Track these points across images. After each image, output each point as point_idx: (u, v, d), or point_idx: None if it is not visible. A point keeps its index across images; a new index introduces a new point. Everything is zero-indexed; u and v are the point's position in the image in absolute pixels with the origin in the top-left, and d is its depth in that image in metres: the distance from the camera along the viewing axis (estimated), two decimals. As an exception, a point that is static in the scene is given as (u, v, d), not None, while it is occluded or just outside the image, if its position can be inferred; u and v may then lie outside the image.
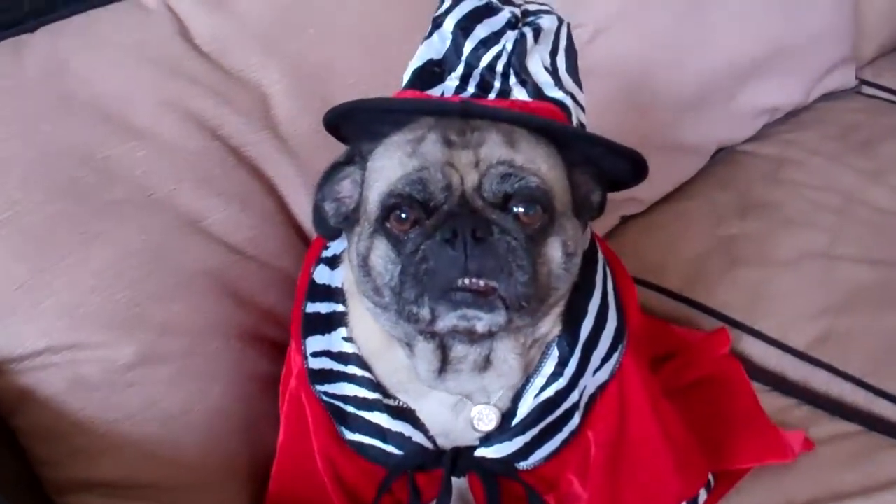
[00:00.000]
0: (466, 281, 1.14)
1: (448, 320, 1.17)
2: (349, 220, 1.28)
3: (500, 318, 1.17)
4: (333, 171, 1.29)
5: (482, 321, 1.17)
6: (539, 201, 1.19)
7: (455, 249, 1.14)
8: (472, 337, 1.22)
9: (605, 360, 1.37)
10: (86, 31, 1.59)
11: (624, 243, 2.18)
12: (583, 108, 1.38)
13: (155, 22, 1.64)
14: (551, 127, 1.24)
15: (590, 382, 1.36)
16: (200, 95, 1.60)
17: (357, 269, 1.24)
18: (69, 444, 1.42)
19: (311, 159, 1.60)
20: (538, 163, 1.21)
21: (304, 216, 1.64)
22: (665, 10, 2.22)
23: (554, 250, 1.21)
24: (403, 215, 1.18)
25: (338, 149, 1.36)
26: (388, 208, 1.19)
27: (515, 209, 1.18)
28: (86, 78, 1.53)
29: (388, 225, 1.19)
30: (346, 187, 1.29)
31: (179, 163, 1.54)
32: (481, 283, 1.15)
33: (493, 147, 1.19)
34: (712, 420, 1.70)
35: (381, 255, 1.20)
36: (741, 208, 2.26)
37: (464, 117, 1.22)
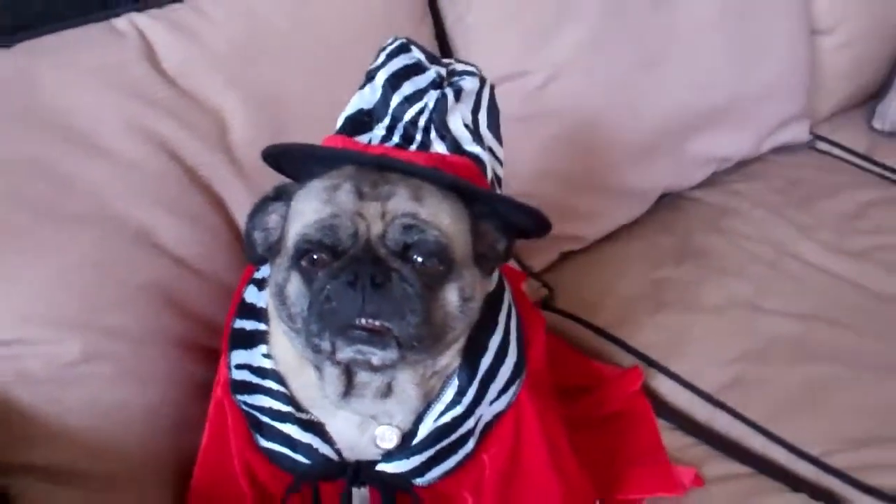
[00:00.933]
0: (363, 321, 1.28)
1: (346, 353, 1.31)
2: (272, 251, 1.41)
3: (392, 354, 1.30)
4: (263, 205, 1.42)
5: (376, 356, 1.30)
6: (436, 254, 1.31)
7: (355, 291, 1.27)
8: (371, 367, 1.35)
9: (502, 391, 1.49)
10: (59, 50, 1.72)
11: (562, 278, 2.33)
12: (500, 162, 1.52)
13: (125, 45, 1.76)
14: (458, 184, 1.37)
15: (486, 411, 1.49)
16: (162, 118, 1.73)
17: (274, 297, 1.37)
18: (12, 431, 1.55)
19: (262, 183, 1.68)
20: (441, 217, 1.33)
21: (250, 236, 1.77)
22: (617, 60, 2.34)
23: (451, 295, 1.34)
24: (315, 257, 1.32)
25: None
26: (304, 249, 1.32)
27: (415, 258, 1.31)
28: (54, 94, 1.66)
29: (301, 263, 1.33)
30: (273, 220, 1.42)
31: (137, 181, 1.68)
32: (377, 323, 1.28)
33: (400, 201, 1.32)
34: (614, 452, 1.84)
35: (295, 288, 1.34)
36: (678, 253, 2.39)
37: (380, 169, 1.35)
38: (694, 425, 1.95)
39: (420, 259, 1.31)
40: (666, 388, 2.02)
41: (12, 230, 1.55)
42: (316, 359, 1.38)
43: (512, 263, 2.22)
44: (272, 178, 1.50)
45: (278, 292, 1.36)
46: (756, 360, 2.05)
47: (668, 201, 2.60)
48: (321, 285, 1.30)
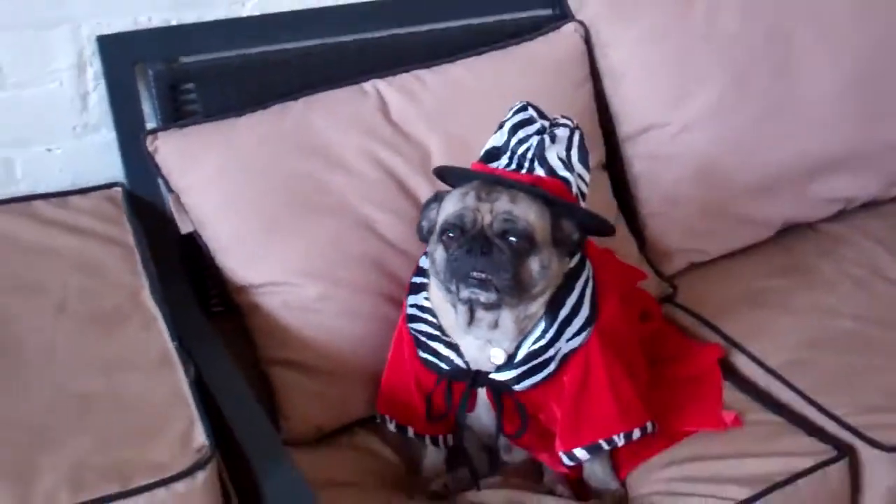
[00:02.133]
0: (475, 273, 2.07)
1: (465, 293, 2.09)
2: (430, 232, 2.23)
3: (492, 296, 2.08)
4: (428, 204, 2.25)
5: (482, 296, 2.09)
6: (523, 236, 2.07)
7: (471, 256, 2.08)
8: (483, 306, 2.15)
9: (575, 334, 2.22)
10: (324, 103, 2.58)
11: (687, 281, 2.97)
12: (585, 182, 2.28)
13: (367, 101, 2.61)
14: (545, 195, 2.15)
15: (564, 346, 2.21)
16: (386, 150, 2.56)
17: (429, 260, 2.22)
18: (275, 337, 2.46)
19: (447, 195, 2.57)
20: (528, 213, 2.08)
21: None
22: (740, 117, 2.91)
23: (533, 264, 2.10)
24: (451, 234, 2.12)
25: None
26: (444, 230, 2.14)
27: (510, 238, 2.08)
28: (321, 130, 2.50)
29: (443, 238, 2.14)
30: (432, 213, 2.22)
31: (365, 188, 2.51)
32: (483, 275, 2.07)
33: (503, 203, 2.09)
34: (686, 397, 2.52)
35: (439, 255, 2.15)
36: (786, 269, 2.98)
37: (494, 184, 2.16)
38: (752, 387, 2.57)
39: (513, 239, 2.08)
40: (739, 362, 2.64)
41: (289, 214, 2.42)
42: (451, 298, 2.17)
43: (647, 269, 2.94)
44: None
45: (430, 258, 2.20)
46: (816, 348, 2.63)
47: (796, 230, 3.17)
48: (452, 252, 2.11)
